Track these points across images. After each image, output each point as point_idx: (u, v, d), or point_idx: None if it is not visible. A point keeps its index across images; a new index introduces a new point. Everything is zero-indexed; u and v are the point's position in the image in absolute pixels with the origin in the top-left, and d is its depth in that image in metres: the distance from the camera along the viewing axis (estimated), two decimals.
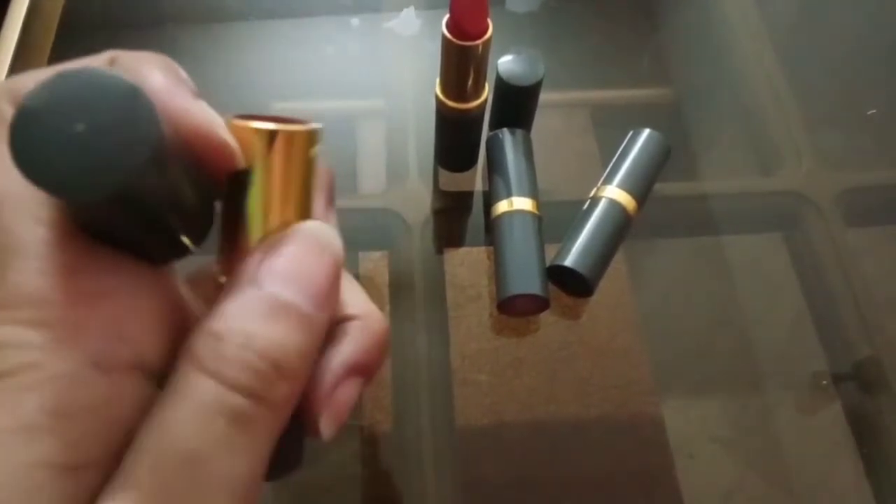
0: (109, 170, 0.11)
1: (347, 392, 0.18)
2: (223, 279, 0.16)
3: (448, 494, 0.31)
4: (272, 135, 0.16)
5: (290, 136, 0.16)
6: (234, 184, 0.16)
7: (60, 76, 0.11)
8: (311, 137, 0.17)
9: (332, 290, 0.16)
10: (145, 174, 0.12)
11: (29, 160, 0.11)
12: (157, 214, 0.14)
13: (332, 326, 0.18)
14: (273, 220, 0.16)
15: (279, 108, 0.42)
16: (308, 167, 0.17)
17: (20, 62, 0.43)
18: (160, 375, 0.15)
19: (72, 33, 0.44)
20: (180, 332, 0.15)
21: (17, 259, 0.13)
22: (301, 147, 0.16)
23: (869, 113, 0.43)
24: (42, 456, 0.12)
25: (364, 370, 0.18)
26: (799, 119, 0.42)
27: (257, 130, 0.16)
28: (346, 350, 0.18)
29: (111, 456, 0.13)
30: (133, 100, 0.12)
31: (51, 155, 0.11)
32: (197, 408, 0.13)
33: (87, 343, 0.13)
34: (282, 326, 0.15)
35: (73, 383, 0.13)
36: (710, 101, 0.44)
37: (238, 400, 0.14)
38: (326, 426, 0.17)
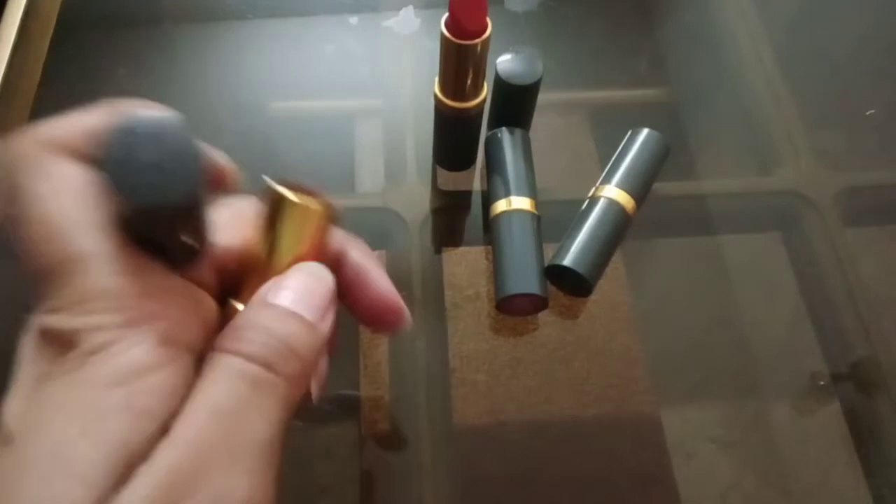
0: (174, 186, 0.16)
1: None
2: (241, 306, 0.19)
3: (446, 493, 0.31)
4: (293, 203, 0.19)
5: (306, 208, 0.20)
6: (261, 235, 0.20)
7: (137, 123, 0.16)
8: (327, 212, 0.20)
9: (329, 309, 0.20)
10: (196, 192, 0.16)
11: (123, 179, 0.15)
12: (190, 225, 0.18)
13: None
14: (284, 263, 0.20)
15: (278, 105, 0.42)
16: (319, 231, 0.20)
17: (18, 60, 0.43)
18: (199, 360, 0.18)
19: (69, 31, 0.44)
20: (210, 326, 0.19)
21: (91, 264, 0.16)
22: (315, 218, 0.20)
23: (868, 113, 0.43)
24: (125, 404, 0.16)
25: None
26: (797, 119, 0.42)
27: (283, 197, 0.19)
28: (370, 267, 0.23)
29: (169, 417, 0.16)
30: (189, 143, 0.16)
31: (138, 176, 0.15)
32: (224, 377, 0.17)
33: (155, 327, 0.17)
34: (293, 325, 0.18)
35: (147, 357, 0.16)
36: (709, 101, 0.44)
37: (256, 369, 0.17)
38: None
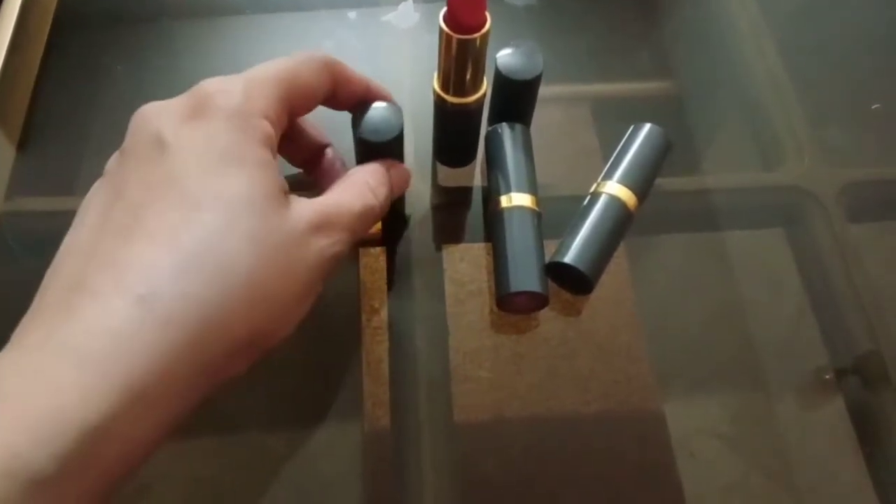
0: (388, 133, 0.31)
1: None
2: None
3: (447, 491, 0.31)
4: None
5: None
6: None
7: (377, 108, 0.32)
8: None
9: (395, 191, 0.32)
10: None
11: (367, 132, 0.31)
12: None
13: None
14: None
15: None
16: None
17: (16, 55, 0.43)
18: None
19: (67, 26, 0.44)
20: None
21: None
22: None
23: (873, 108, 0.43)
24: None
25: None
26: (801, 113, 0.42)
27: None
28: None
29: None
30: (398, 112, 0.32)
31: (377, 129, 0.31)
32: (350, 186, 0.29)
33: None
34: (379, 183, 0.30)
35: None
36: (712, 96, 0.44)
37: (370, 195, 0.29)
38: None
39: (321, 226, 0.25)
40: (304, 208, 0.25)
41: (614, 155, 0.37)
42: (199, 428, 0.32)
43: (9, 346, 0.21)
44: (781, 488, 0.32)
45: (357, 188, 0.29)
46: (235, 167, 0.23)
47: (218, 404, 0.32)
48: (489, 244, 0.36)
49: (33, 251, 0.37)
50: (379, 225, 0.36)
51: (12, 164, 0.39)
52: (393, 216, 0.37)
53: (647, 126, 0.37)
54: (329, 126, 0.34)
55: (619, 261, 0.36)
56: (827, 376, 0.34)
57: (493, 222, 0.35)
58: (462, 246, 0.37)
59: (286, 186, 0.26)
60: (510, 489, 0.31)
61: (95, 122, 0.40)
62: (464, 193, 0.39)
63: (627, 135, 0.38)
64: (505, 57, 0.34)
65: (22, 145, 0.39)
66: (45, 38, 0.43)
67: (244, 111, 0.25)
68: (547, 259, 0.34)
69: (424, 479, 0.31)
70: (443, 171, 0.39)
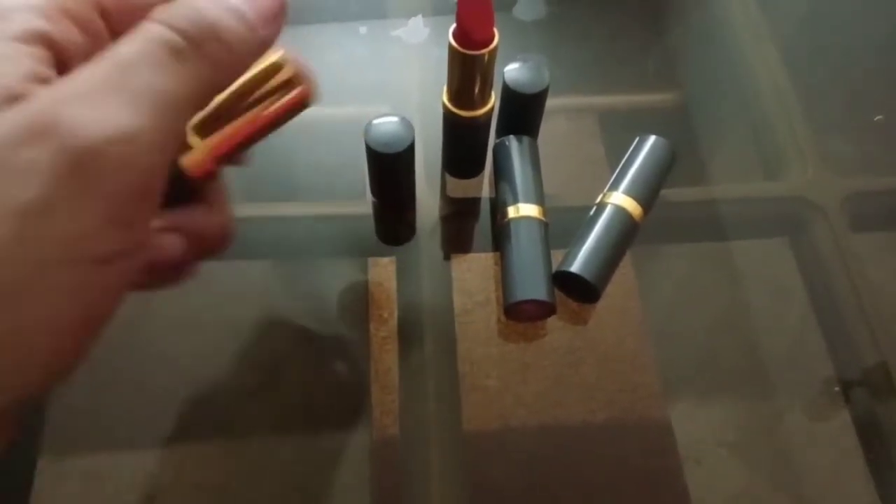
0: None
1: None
2: None
3: (455, 500, 0.31)
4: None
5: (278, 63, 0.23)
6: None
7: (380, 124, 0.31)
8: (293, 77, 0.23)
9: (275, 19, 0.20)
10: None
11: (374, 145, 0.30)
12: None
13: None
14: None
15: None
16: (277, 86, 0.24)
17: None
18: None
19: None
20: None
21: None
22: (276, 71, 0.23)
23: (876, 119, 0.43)
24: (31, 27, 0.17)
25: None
26: (805, 124, 0.42)
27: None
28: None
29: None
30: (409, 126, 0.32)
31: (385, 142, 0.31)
32: (140, 39, 0.17)
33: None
34: (227, 15, 0.18)
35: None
36: (717, 106, 0.44)
37: (176, 38, 0.17)
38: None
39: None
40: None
41: (620, 166, 0.37)
42: (209, 436, 0.32)
43: None
44: (787, 497, 0.32)
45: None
46: None
47: (227, 412, 0.33)
48: (497, 254, 0.36)
49: None
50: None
51: None
52: (402, 225, 0.37)
53: (652, 138, 0.38)
54: (339, 139, 0.34)
55: (626, 270, 0.37)
56: (832, 386, 0.34)
57: (501, 232, 0.35)
58: (470, 256, 0.37)
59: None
60: (517, 497, 0.31)
61: None
62: (472, 204, 0.39)
63: (633, 146, 0.38)
64: (512, 71, 0.35)
65: None
66: None
67: None
68: (554, 268, 0.34)
69: (432, 487, 0.31)
70: (452, 182, 0.39)
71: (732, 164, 0.42)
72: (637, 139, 0.38)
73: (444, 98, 0.34)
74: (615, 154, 0.39)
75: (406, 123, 0.32)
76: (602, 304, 0.35)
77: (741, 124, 0.43)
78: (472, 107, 0.34)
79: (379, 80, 0.44)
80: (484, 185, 0.39)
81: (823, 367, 0.35)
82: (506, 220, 0.35)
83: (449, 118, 0.35)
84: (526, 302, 0.33)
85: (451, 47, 0.30)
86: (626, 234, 0.35)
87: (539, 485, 0.31)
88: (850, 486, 0.32)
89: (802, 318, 0.36)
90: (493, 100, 0.34)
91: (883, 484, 0.32)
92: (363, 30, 0.46)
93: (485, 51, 0.30)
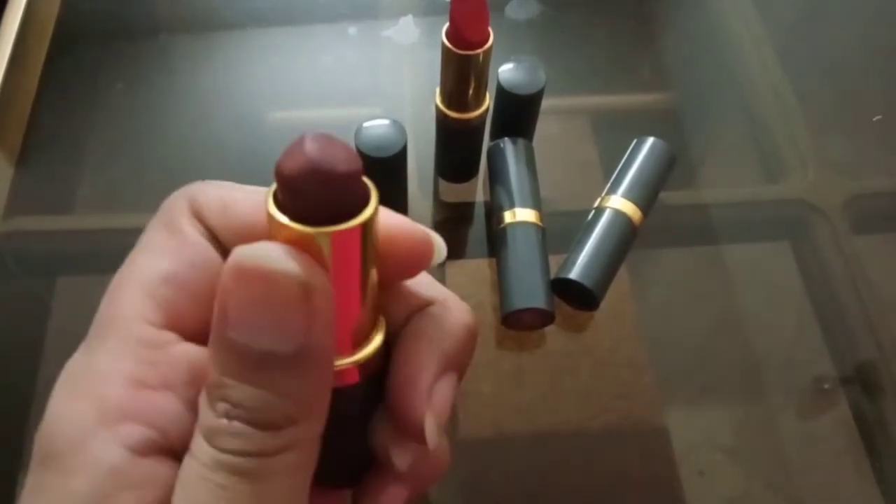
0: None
1: (445, 390, 0.16)
2: None
3: None
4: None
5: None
6: None
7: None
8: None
9: (306, 316, 0.13)
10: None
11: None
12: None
13: (411, 313, 0.17)
14: None
15: (277, 116, 0.41)
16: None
17: (14, 73, 0.42)
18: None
19: (66, 44, 0.44)
20: None
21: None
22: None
23: (875, 119, 0.43)
24: None
25: (456, 363, 0.17)
26: (804, 126, 0.42)
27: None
28: (435, 341, 0.17)
29: None
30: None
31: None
32: (199, 467, 0.14)
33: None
34: (264, 378, 0.13)
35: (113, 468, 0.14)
36: (714, 109, 0.44)
37: (235, 460, 0.13)
38: (432, 432, 0.16)
39: None
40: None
41: (618, 169, 0.37)
42: None
43: None
44: (786, 499, 0.32)
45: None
46: None
47: None
48: (491, 259, 0.36)
49: (32, 270, 0.36)
50: None
51: (10, 182, 0.39)
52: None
53: (651, 140, 0.37)
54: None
55: (622, 274, 0.36)
56: (831, 387, 0.34)
57: (498, 239, 0.34)
58: (464, 261, 0.37)
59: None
60: (513, 502, 0.31)
61: (94, 140, 0.40)
62: (466, 209, 0.38)
63: (631, 149, 0.37)
64: (507, 72, 0.34)
65: (20, 164, 0.39)
66: (43, 56, 0.43)
67: None
68: (552, 274, 0.34)
69: (428, 493, 0.31)
70: (445, 186, 0.39)
71: (731, 167, 0.41)
72: (635, 141, 0.38)
73: (437, 100, 0.34)
74: (609, 157, 0.38)
75: (398, 126, 0.31)
76: (598, 308, 0.35)
77: (739, 126, 0.43)
78: (466, 109, 0.33)
79: (369, 81, 0.43)
80: (478, 190, 0.39)
81: (823, 370, 0.35)
82: (502, 225, 0.34)
83: (442, 120, 0.34)
84: (524, 311, 0.32)
85: (444, 47, 0.30)
86: (625, 238, 0.34)
87: (535, 490, 0.31)
88: (849, 488, 0.32)
89: (803, 320, 0.36)
90: (488, 101, 0.34)
91: (883, 485, 0.32)
92: (352, 30, 0.45)
93: (479, 51, 0.30)
